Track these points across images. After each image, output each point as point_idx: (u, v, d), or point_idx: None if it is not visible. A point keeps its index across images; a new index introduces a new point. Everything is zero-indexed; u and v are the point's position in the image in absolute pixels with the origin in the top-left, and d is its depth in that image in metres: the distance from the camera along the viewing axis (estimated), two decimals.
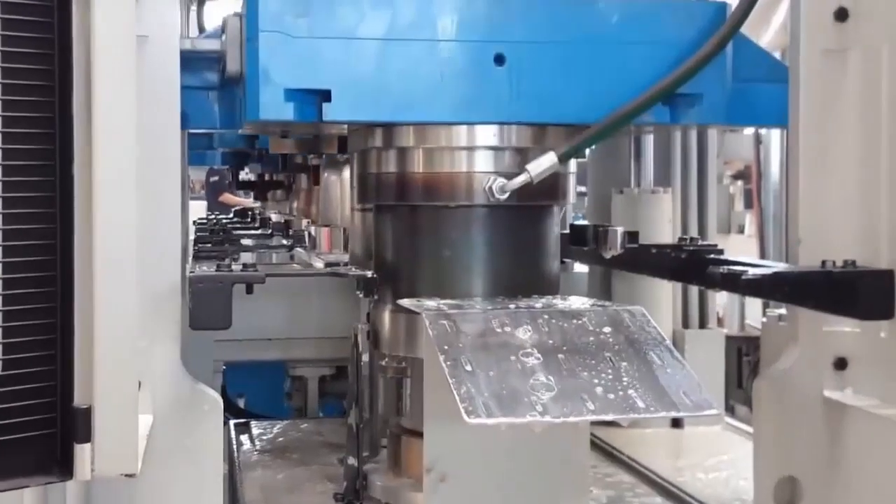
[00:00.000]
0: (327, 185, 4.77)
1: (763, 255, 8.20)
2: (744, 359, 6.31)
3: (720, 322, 5.30)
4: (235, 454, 3.34)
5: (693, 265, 2.50)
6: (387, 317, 2.57)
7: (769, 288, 2.03)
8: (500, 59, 2.33)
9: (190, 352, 2.35)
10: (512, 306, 2.24)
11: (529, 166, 2.31)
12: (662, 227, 3.78)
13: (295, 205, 6.06)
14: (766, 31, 6.70)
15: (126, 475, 1.79)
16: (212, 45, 2.46)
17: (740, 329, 7.14)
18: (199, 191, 12.92)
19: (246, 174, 7.45)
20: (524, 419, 1.84)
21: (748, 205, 11.35)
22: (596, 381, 1.94)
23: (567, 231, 3.01)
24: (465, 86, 2.32)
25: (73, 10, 1.73)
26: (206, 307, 2.14)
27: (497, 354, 1.98)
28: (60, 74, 1.74)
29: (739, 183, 12.62)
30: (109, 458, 1.76)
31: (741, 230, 11.89)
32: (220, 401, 2.28)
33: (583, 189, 4.32)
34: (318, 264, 3.27)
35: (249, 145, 5.44)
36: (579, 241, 2.91)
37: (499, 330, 2.06)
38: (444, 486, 2.24)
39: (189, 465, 2.24)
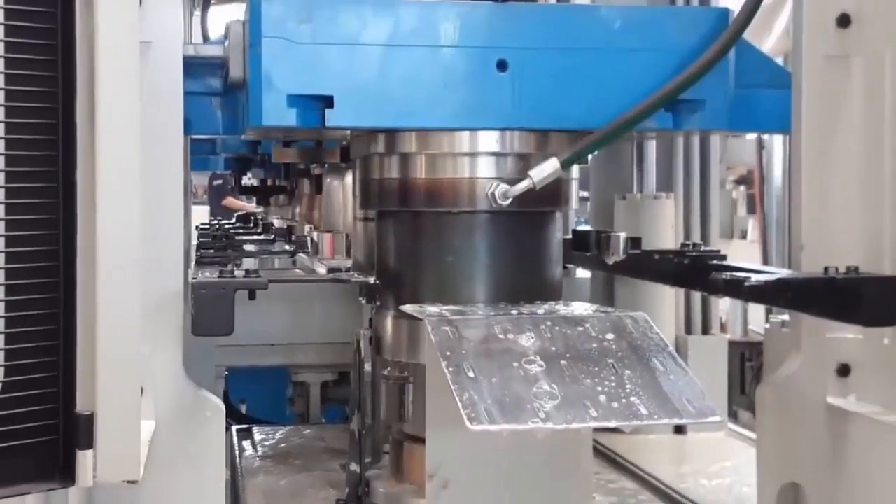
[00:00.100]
0: (330, 190, 4.77)
1: (766, 261, 8.21)
2: (747, 364, 6.31)
3: (723, 327, 5.30)
4: (238, 460, 3.34)
5: (696, 271, 2.49)
6: (389, 322, 2.57)
7: (772, 294, 2.02)
8: (502, 66, 2.32)
9: (192, 356, 2.35)
10: (514, 312, 2.23)
11: (532, 172, 2.30)
12: (665, 233, 3.77)
13: (297, 210, 6.06)
14: (769, 37, 6.71)
15: (128, 482, 1.79)
16: (215, 50, 2.46)
17: (743, 334, 7.15)
18: (202, 195, 12.93)
19: (248, 179, 7.46)
20: (526, 426, 1.83)
21: (751, 210, 11.32)
22: (599, 387, 1.93)
23: (570, 236, 3.01)
24: (468, 92, 2.32)
25: (77, 16, 1.74)
26: (208, 314, 2.14)
27: (499, 361, 1.98)
28: (64, 80, 1.74)
29: (742, 188, 12.60)
30: (112, 464, 1.76)
31: (744, 235, 11.88)
32: (223, 407, 2.28)
33: (585, 194, 4.33)
34: (321, 270, 3.26)
35: (252, 150, 5.46)
36: (582, 247, 2.91)
37: (501, 336, 2.06)
38: (446, 493, 2.23)
39: (191, 471, 2.24)
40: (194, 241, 4.20)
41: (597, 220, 4.15)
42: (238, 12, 2.63)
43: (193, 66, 2.36)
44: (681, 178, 4.02)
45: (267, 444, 3.55)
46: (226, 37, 2.39)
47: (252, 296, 2.29)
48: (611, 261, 2.72)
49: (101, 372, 1.75)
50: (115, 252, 1.76)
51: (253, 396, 5.43)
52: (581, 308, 2.34)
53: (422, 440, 2.31)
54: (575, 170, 2.54)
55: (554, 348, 2.03)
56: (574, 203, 2.58)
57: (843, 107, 2.05)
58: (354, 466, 2.65)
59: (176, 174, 2.21)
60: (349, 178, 4.33)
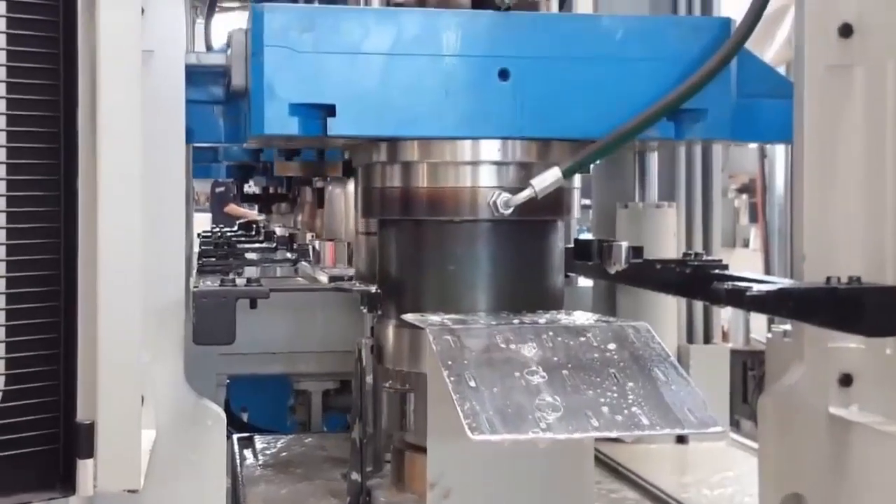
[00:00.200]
0: (332, 198, 4.77)
1: (768, 269, 8.20)
2: (749, 373, 6.30)
3: (725, 336, 5.29)
4: (239, 469, 3.33)
5: (698, 280, 2.49)
6: (391, 331, 2.57)
7: (774, 304, 2.02)
8: (504, 75, 2.33)
9: (193, 365, 2.35)
10: (516, 321, 2.23)
11: (534, 181, 2.30)
12: (667, 242, 3.77)
13: (299, 218, 6.06)
14: (771, 46, 6.71)
15: (129, 491, 1.79)
16: (217, 59, 2.46)
17: (745, 343, 7.13)
18: (204, 203, 12.94)
19: (250, 187, 7.46)
20: (528, 436, 1.83)
21: (753, 218, 11.33)
22: (600, 398, 1.93)
23: (571, 245, 3.00)
24: (470, 101, 2.32)
25: (79, 25, 1.74)
26: (209, 322, 2.13)
27: (501, 370, 1.97)
28: (65, 89, 1.74)
29: (744, 196, 12.61)
30: (112, 473, 1.76)
31: (746, 244, 11.88)
32: (224, 415, 2.28)
33: (587, 203, 4.33)
34: (323, 278, 3.27)
35: (254, 159, 5.45)
36: (584, 256, 2.91)
37: (503, 346, 2.05)
38: (447, 503, 2.23)
39: (192, 480, 2.24)
40: (196, 249, 4.20)
41: (599, 229, 4.15)
42: (241, 21, 2.64)
43: (195, 75, 2.36)
44: (683, 187, 4.01)
45: (268, 452, 3.55)
46: (228, 45, 2.39)
47: (253, 304, 2.29)
48: (613, 270, 2.72)
49: (101, 381, 1.75)
50: (116, 260, 1.76)
51: (254, 405, 5.43)
52: (583, 317, 2.34)
53: (423, 449, 2.30)
54: (577, 179, 2.54)
55: (556, 358, 2.03)
56: (576, 212, 2.58)
57: (845, 116, 2.05)
58: (356, 475, 2.64)
59: (177, 182, 2.21)
60: (351, 186, 4.34)
